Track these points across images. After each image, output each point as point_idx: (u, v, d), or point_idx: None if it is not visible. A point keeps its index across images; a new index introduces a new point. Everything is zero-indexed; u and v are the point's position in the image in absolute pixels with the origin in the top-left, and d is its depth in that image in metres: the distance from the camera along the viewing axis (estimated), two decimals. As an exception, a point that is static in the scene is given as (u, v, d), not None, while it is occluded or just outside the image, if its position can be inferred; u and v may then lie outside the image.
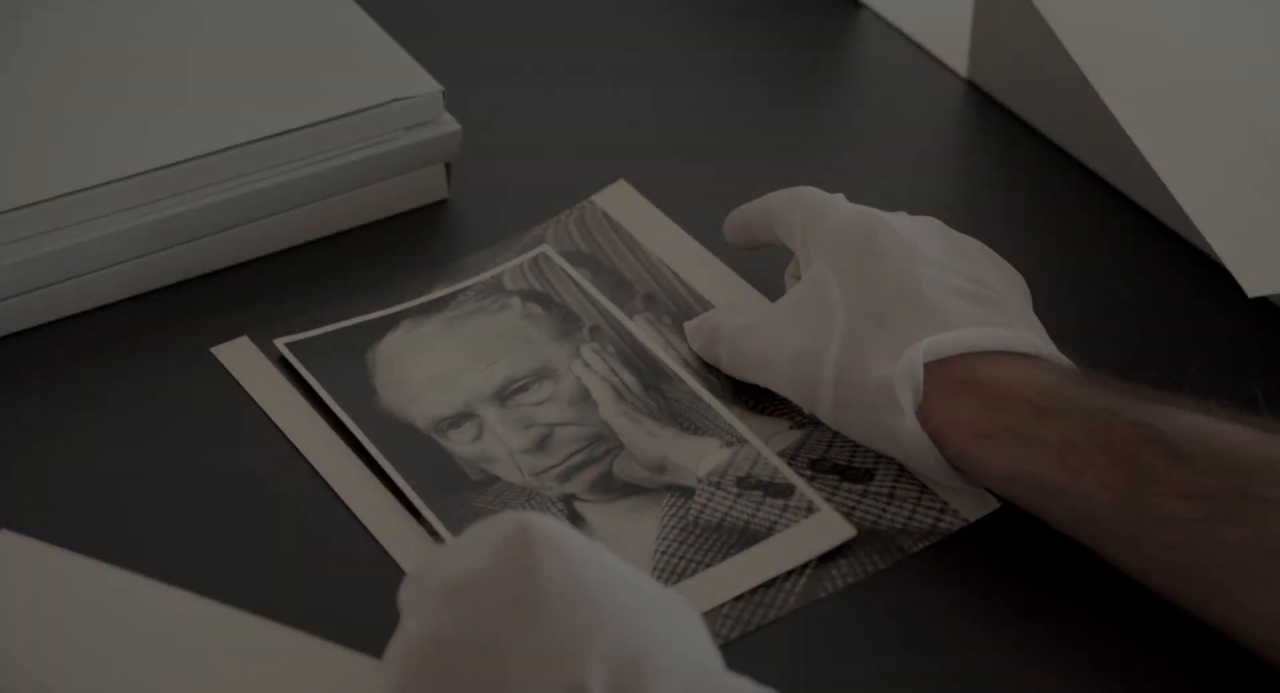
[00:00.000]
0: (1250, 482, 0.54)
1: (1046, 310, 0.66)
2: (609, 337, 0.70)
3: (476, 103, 0.80)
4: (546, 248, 0.75)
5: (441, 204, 0.77)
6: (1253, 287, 0.65)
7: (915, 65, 0.86)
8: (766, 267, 0.73)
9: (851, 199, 0.68)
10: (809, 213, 0.67)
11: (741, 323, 0.67)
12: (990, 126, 0.83)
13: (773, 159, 0.80)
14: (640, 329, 0.71)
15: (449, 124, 0.76)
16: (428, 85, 0.75)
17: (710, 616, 0.61)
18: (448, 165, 0.77)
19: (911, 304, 0.62)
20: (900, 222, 0.66)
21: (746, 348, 0.66)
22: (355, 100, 0.74)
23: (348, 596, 0.61)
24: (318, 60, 0.76)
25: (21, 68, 0.75)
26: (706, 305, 0.72)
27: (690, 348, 0.70)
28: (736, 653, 0.59)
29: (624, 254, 0.74)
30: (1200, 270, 0.74)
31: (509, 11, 0.89)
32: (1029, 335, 0.61)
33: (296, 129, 0.73)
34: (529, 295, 0.73)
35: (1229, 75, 0.73)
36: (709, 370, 0.69)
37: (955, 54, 0.86)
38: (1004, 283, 0.65)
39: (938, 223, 0.67)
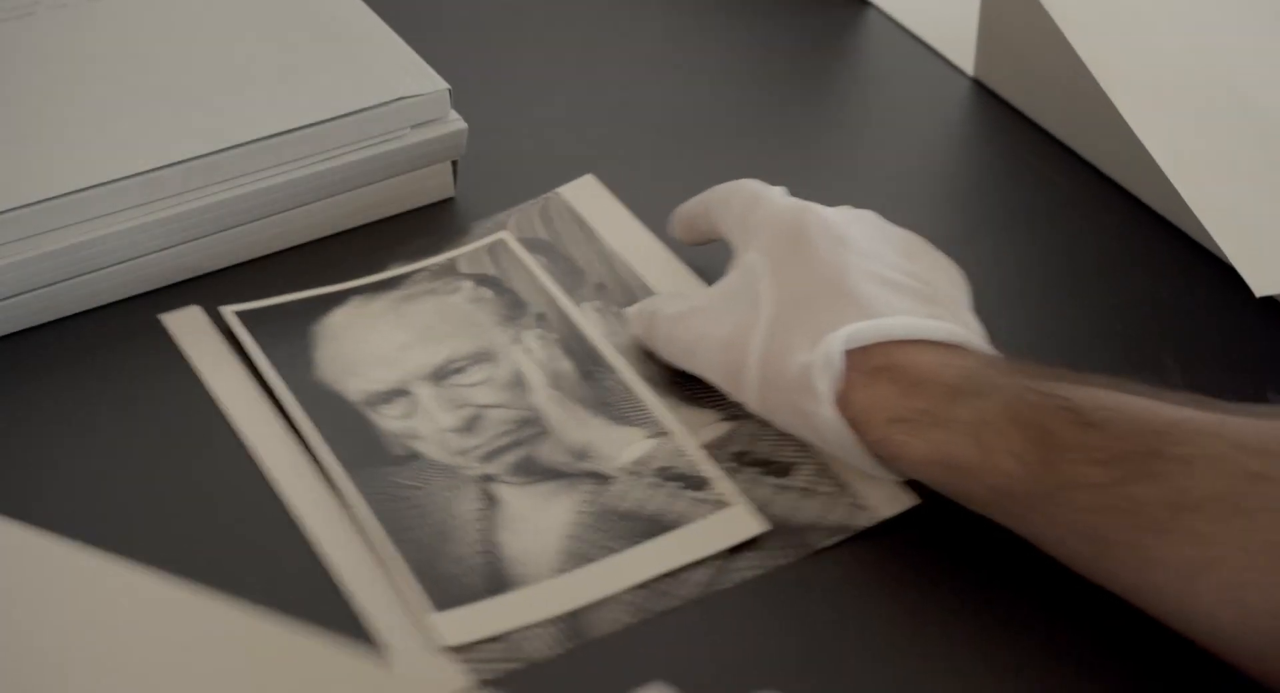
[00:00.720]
0: (1161, 442, 0.54)
1: (1051, 308, 0.66)
2: (554, 324, 0.70)
3: (483, 101, 0.80)
4: (505, 234, 0.75)
5: (448, 202, 0.77)
6: (1260, 286, 0.65)
7: (921, 64, 0.86)
8: (721, 264, 0.72)
9: (857, 197, 0.68)
10: (746, 204, 0.67)
11: (676, 310, 0.67)
12: (996, 125, 0.82)
13: (779, 158, 0.80)
14: (587, 317, 0.71)
15: (455, 122, 0.76)
16: (434, 83, 0.75)
17: (609, 602, 0.60)
18: (454, 163, 0.77)
19: (835, 293, 0.62)
20: (836, 213, 0.66)
21: (679, 335, 0.66)
22: (361, 98, 0.74)
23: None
24: (324, 58, 0.76)
25: (28, 65, 0.76)
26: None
27: (631, 335, 0.69)
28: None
29: (581, 244, 0.74)
30: (1206, 269, 0.73)
31: (516, 9, 0.89)
32: (951, 325, 0.61)
33: (303, 127, 0.73)
34: (481, 279, 0.73)
35: (1236, 74, 0.73)
36: (647, 360, 0.69)
37: (962, 52, 0.85)
38: (938, 276, 0.65)
39: (875, 215, 0.67)
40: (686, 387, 0.68)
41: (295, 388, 0.67)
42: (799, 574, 0.61)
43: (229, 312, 0.71)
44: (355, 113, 0.74)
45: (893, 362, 0.60)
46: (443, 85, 0.75)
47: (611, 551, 0.62)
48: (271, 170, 0.73)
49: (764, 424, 0.66)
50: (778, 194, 0.67)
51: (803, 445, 0.65)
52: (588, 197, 0.76)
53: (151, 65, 0.76)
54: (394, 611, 0.60)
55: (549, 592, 0.60)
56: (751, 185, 0.68)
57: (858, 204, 0.73)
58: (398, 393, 0.68)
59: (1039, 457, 0.56)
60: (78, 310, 0.71)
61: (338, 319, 0.71)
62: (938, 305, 0.63)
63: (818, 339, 0.61)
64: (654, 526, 0.63)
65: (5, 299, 0.70)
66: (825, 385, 0.60)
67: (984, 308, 0.71)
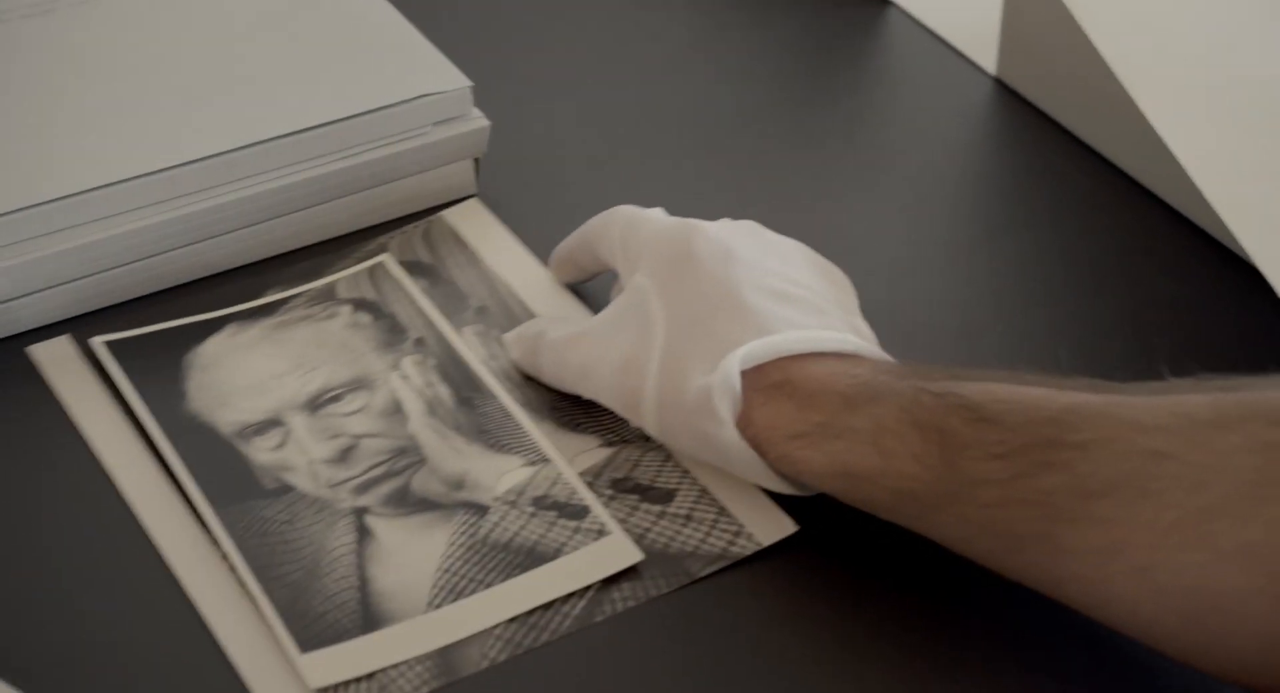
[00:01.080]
0: (1058, 430, 0.54)
1: (1072, 309, 0.65)
2: (432, 349, 0.69)
3: (505, 98, 0.80)
4: (386, 256, 0.73)
5: (470, 199, 0.76)
6: None
7: (943, 63, 0.85)
8: (604, 289, 0.71)
9: (877, 197, 0.67)
10: (627, 227, 0.66)
11: (565, 335, 0.66)
12: (1019, 126, 0.81)
13: (799, 157, 0.79)
14: (468, 341, 0.69)
15: (478, 120, 0.75)
16: (457, 80, 0.74)
17: (481, 637, 0.59)
18: (476, 161, 0.76)
19: (728, 310, 0.61)
20: (719, 227, 0.65)
21: (569, 359, 0.65)
22: (384, 96, 0.73)
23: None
24: (347, 55, 0.75)
25: (46, 62, 0.75)
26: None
27: (510, 359, 0.68)
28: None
29: (464, 267, 0.73)
30: (1231, 270, 0.72)
31: (538, 7, 0.88)
32: (844, 334, 0.61)
33: (325, 124, 0.72)
34: (360, 304, 0.71)
35: (1259, 73, 0.72)
36: (527, 385, 0.67)
37: (984, 52, 0.85)
38: (824, 283, 0.64)
39: (757, 226, 0.66)
40: (565, 412, 0.66)
41: (164, 421, 0.66)
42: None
43: (98, 342, 0.69)
44: (377, 110, 0.73)
45: (788, 377, 0.59)
46: (465, 82, 0.74)
47: (484, 584, 0.60)
48: (291, 168, 0.72)
49: (644, 450, 0.65)
50: (658, 214, 0.66)
51: (683, 472, 0.64)
52: (472, 221, 0.75)
53: (171, 62, 0.75)
54: (261, 653, 0.58)
55: (419, 628, 0.59)
56: (628, 210, 0.67)
57: (878, 204, 0.72)
58: (270, 423, 0.66)
59: (939, 457, 0.56)
60: (103, 305, 0.70)
61: (211, 348, 0.69)
62: (828, 314, 0.62)
63: (714, 360, 0.60)
64: (529, 557, 0.61)
65: (17, 298, 0.68)
66: (726, 407, 0.59)
67: (1005, 308, 0.70)
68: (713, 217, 0.71)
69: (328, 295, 0.71)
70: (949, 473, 0.56)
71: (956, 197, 0.79)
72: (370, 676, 0.58)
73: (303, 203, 0.73)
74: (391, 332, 0.70)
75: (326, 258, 0.73)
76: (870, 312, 0.64)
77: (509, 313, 0.70)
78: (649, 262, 0.64)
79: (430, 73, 0.75)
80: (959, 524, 0.56)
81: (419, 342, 0.69)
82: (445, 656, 0.58)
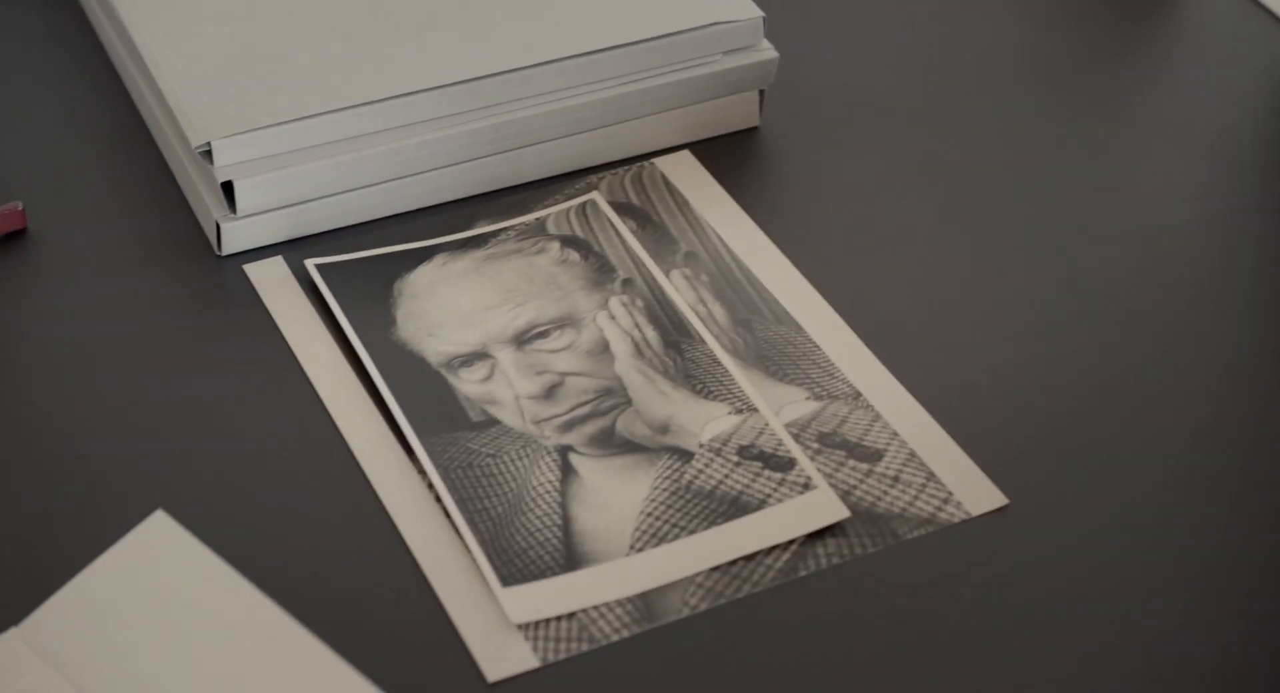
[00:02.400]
0: None
1: None
2: (640, 290, 0.68)
3: (795, 31, 0.80)
4: (596, 195, 0.73)
5: (752, 131, 0.76)
6: None
7: (1248, 20, 0.83)
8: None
9: (1172, 155, 0.63)
10: None
11: None
12: None
13: (1092, 109, 0.78)
14: (676, 285, 0.69)
15: (767, 51, 0.75)
16: (749, 10, 0.75)
17: (682, 584, 0.58)
18: (761, 93, 0.76)
19: None
20: None
21: None
22: (677, 21, 0.74)
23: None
24: None
25: None
26: (748, 272, 0.69)
27: (722, 309, 0.67)
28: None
29: (674, 213, 0.72)
30: None
31: None
32: None
33: (616, 47, 0.73)
34: (569, 241, 0.71)
35: None
36: (734, 332, 0.67)
37: None
38: None
39: None
40: (773, 362, 0.66)
41: (373, 347, 0.66)
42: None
43: (311, 264, 0.69)
44: (669, 35, 0.73)
45: None
46: (758, 13, 0.75)
47: (688, 531, 0.60)
48: (583, 88, 0.73)
49: (853, 407, 0.64)
50: None
51: (893, 433, 0.63)
52: (683, 170, 0.74)
53: None
54: (464, 583, 0.59)
55: (621, 571, 0.59)
56: None
57: (1170, 165, 0.69)
58: (478, 356, 0.66)
59: None
60: (406, 209, 0.72)
61: (420, 277, 0.69)
62: None
63: None
64: (733, 506, 0.61)
65: (328, 197, 0.70)
66: None
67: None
68: (993, 166, 0.68)
69: (537, 231, 0.71)
70: None
71: (1258, 162, 0.75)
72: (571, 615, 0.58)
73: (589, 124, 0.73)
74: (600, 271, 0.69)
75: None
76: (1154, 271, 0.61)
77: (719, 261, 0.70)
78: None
79: (723, 2, 0.75)
80: None
81: (627, 282, 0.69)
82: (646, 601, 0.58)
